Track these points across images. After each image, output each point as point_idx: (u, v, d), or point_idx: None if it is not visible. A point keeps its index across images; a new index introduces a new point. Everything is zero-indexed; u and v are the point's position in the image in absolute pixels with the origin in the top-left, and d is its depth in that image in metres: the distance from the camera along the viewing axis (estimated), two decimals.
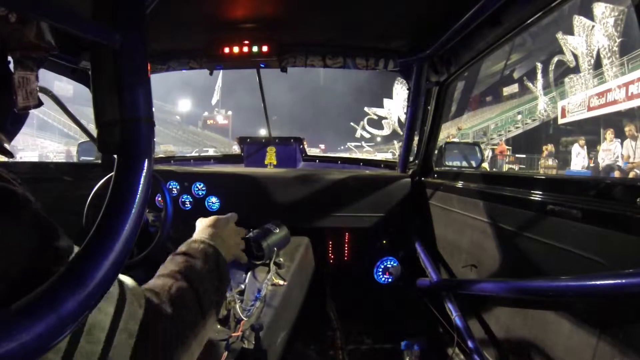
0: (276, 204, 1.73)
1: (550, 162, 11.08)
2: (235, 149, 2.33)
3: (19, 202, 0.37)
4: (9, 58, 0.45)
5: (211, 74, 1.70)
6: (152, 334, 0.46)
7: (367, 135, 18.35)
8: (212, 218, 0.78)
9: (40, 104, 0.49)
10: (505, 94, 19.31)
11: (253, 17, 1.37)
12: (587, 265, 0.74)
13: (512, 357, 1.03)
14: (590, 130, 12.50)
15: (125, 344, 0.42)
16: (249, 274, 1.19)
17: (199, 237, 0.68)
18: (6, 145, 0.44)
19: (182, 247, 0.65)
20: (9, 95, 0.44)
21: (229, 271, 0.69)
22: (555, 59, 12.86)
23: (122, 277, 0.47)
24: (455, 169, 1.66)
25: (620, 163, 7.47)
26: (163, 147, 25.73)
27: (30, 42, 0.45)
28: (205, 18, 1.36)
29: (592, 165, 9.15)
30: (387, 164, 2.11)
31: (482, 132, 17.44)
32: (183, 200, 1.82)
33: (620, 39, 10.19)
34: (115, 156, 0.40)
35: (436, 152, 1.70)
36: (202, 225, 0.76)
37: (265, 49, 1.50)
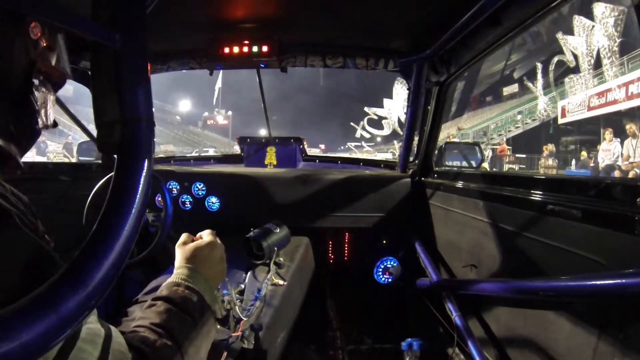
0: (276, 204, 1.73)
1: (550, 162, 11.08)
2: (237, 149, 2.33)
3: (7, 225, 0.37)
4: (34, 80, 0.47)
5: (211, 74, 1.70)
6: None
7: (367, 135, 18.32)
8: (191, 248, 0.69)
9: (55, 124, 0.51)
10: (505, 94, 19.30)
11: (253, 17, 1.37)
12: (587, 265, 0.74)
13: (512, 357, 1.03)
14: (591, 130, 12.51)
15: None
16: (249, 273, 1.19)
17: (181, 279, 0.62)
18: (18, 157, 0.45)
19: (164, 291, 0.60)
20: (29, 113, 0.46)
21: (215, 320, 0.64)
22: (555, 59, 12.85)
23: (113, 331, 0.44)
24: (455, 169, 1.66)
25: (620, 163, 7.45)
26: (163, 147, 25.73)
27: (53, 66, 0.47)
28: (205, 18, 1.36)
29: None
30: (387, 164, 2.11)
31: (482, 132, 17.43)
32: (183, 200, 1.82)
33: (620, 39, 10.18)
34: (115, 156, 0.41)
35: (436, 152, 1.71)
36: (182, 261, 0.67)
37: (265, 49, 1.50)
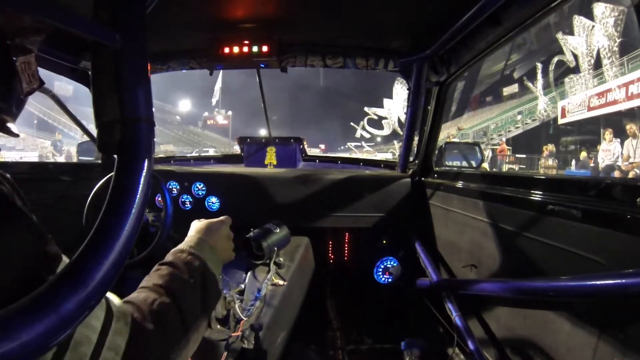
0: (276, 204, 1.73)
1: (550, 162, 11.08)
2: (236, 149, 2.33)
3: (9, 207, 0.37)
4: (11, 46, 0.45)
5: (211, 74, 1.70)
6: (137, 352, 0.45)
7: (367, 135, 18.30)
8: (205, 222, 0.74)
9: (42, 83, 0.50)
10: (505, 94, 19.30)
11: (253, 17, 1.37)
12: (587, 265, 0.74)
13: (512, 357, 1.03)
14: (591, 130, 12.51)
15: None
16: (249, 273, 1.19)
17: (187, 246, 0.66)
18: (11, 125, 0.45)
19: (169, 256, 0.63)
20: (13, 80, 0.45)
21: (216, 283, 0.66)
22: (555, 59, 12.85)
23: (108, 294, 0.46)
24: (455, 169, 1.66)
25: (620, 163, 7.45)
26: (163, 147, 25.74)
27: (28, 26, 0.45)
28: (205, 18, 1.36)
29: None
30: (387, 164, 2.11)
31: (482, 132, 17.43)
32: (183, 200, 1.82)
33: (620, 39, 10.17)
34: (115, 156, 0.41)
35: (436, 152, 1.71)
36: (194, 230, 0.72)
37: (265, 49, 1.50)
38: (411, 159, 1.84)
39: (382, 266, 1.73)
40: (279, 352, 1.01)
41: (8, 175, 0.43)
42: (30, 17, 0.45)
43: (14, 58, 0.45)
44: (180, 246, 0.66)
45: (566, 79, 12.24)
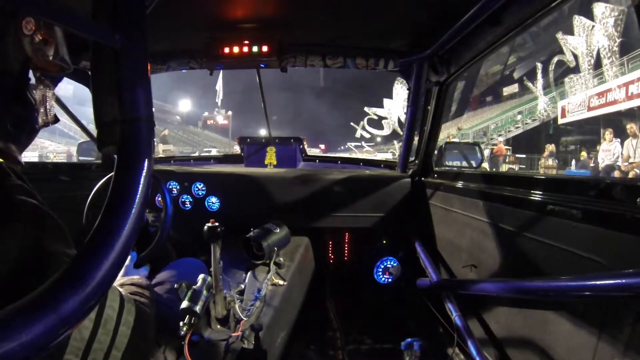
0: (276, 204, 1.73)
1: (550, 162, 11.07)
2: (236, 149, 2.33)
3: (27, 208, 0.39)
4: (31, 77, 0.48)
5: (211, 74, 1.70)
6: (141, 326, 0.57)
7: (367, 135, 18.25)
8: None
9: (57, 120, 0.53)
10: (505, 94, 19.28)
11: (253, 17, 1.38)
12: (587, 265, 0.74)
13: (512, 357, 1.03)
14: (591, 130, 12.51)
15: (125, 333, 0.54)
16: (249, 273, 1.19)
17: None
18: (17, 155, 0.47)
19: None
20: (27, 111, 0.47)
21: None
22: (555, 59, 12.84)
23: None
24: (455, 169, 1.66)
25: (620, 163, 7.44)
26: (163, 147, 25.73)
27: (50, 61, 0.48)
28: (205, 18, 1.36)
29: None
30: (387, 164, 2.11)
31: (482, 132, 17.42)
32: (183, 200, 1.82)
33: (620, 39, 10.17)
34: (115, 156, 0.41)
35: (436, 152, 1.70)
36: None
37: (265, 49, 1.50)
38: (411, 159, 1.84)
39: (382, 266, 1.73)
40: (279, 352, 1.02)
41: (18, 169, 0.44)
42: (52, 52, 0.48)
43: (33, 91, 0.47)
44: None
45: (566, 79, 12.23)
